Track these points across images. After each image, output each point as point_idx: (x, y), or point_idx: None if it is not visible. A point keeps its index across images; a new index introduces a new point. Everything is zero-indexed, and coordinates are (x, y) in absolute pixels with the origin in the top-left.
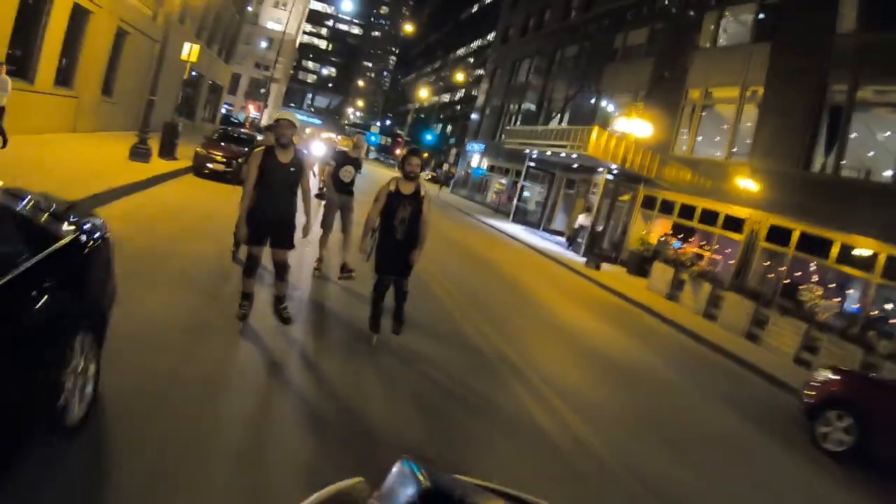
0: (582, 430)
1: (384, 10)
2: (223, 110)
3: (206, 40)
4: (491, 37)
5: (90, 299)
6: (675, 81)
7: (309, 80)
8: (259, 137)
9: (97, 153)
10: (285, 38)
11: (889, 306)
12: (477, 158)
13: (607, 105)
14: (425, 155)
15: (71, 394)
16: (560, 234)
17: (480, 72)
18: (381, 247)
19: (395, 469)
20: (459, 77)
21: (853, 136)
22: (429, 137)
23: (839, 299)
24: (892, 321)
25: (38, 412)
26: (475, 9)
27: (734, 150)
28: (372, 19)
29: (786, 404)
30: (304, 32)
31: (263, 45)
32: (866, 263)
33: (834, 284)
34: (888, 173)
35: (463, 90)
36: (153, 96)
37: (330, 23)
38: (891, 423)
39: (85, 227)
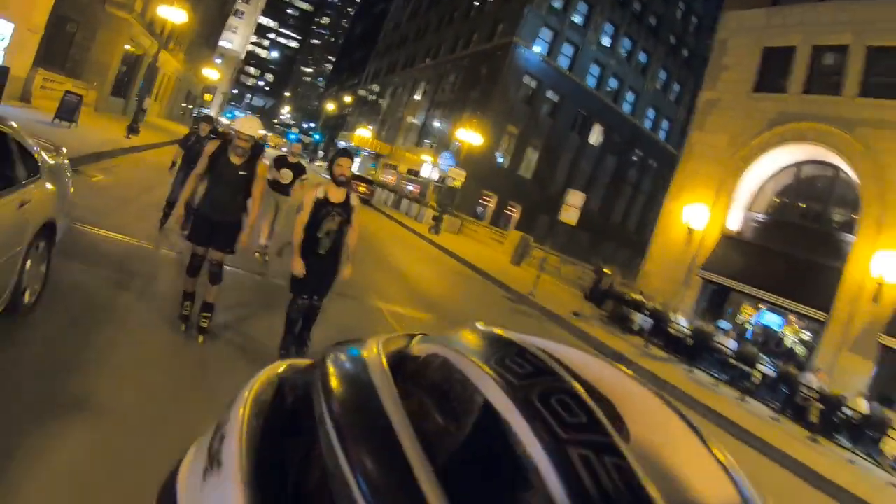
0: None
1: (325, 20)
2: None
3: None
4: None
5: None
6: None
7: (249, 83)
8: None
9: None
10: (233, 53)
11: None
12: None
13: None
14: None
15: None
16: None
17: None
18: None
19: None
20: (347, 99)
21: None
22: (316, 137)
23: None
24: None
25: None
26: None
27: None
28: (313, 27)
29: None
30: (250, 42)
31: (218, 60)
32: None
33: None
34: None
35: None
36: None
37: (272, 35)
38: None
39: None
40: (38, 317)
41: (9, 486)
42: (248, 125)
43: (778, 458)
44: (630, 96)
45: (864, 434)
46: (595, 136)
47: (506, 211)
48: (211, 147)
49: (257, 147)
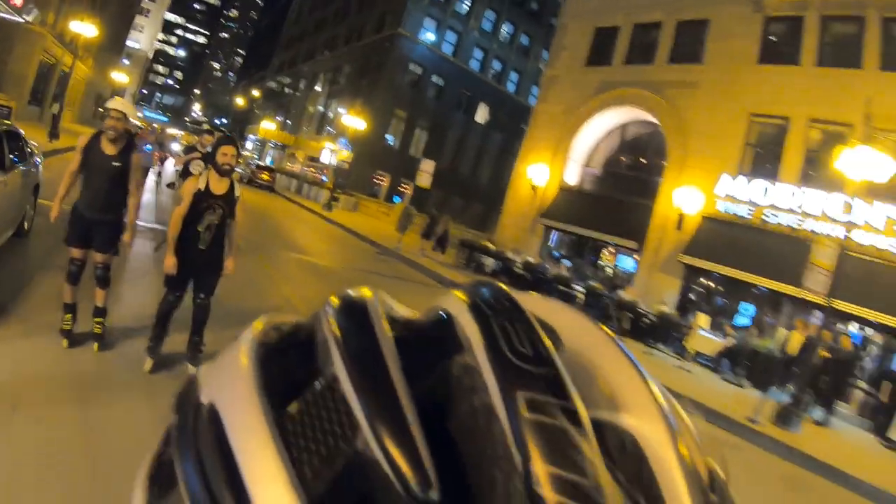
0: None
1: (233, 13)
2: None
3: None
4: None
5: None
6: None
7: (158, 82)
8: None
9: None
10: (141, 53)
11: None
12: (250, 144)
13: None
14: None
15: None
16: None
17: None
18: (177, 256)
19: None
20: (255, 92)
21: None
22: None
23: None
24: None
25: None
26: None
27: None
28: (221, 20)
29: None
30: (157, 40)
31: (125, 62)
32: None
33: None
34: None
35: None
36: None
37: (179, 32)
38: None
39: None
40: (32, 238)
41: (25, 294)
42: (120, 103)
43: None
44: (514, 76)
45: (669, 335)
46: (481, 115)
47: (399, 188)
48: (83, 140)
49: (132, 139)
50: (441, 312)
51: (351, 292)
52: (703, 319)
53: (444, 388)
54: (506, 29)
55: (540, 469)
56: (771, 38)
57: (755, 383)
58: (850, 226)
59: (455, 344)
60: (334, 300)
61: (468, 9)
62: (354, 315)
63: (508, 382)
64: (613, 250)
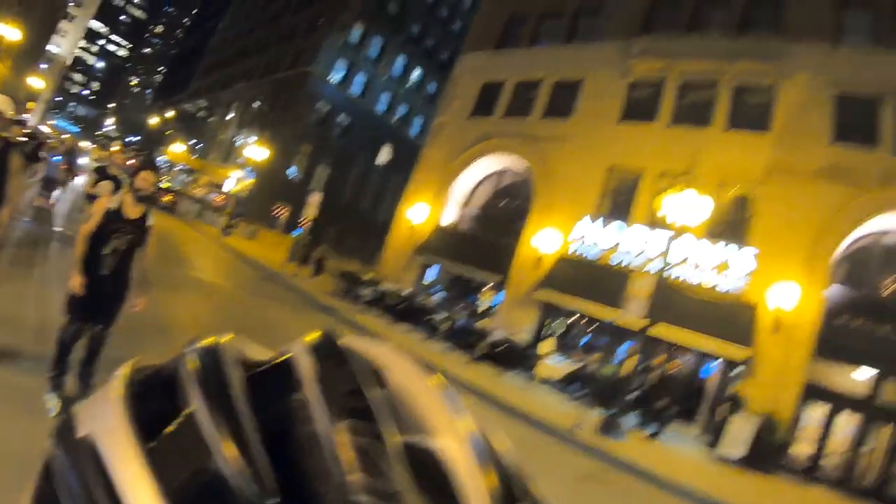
0: None
1: (159, 29)
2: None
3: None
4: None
5: None
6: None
7: (73, 91)
8: None
9: None
10: (60, 58)
11: None
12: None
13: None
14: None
15: None
16: None
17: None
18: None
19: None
20: (170, 114)
21: None
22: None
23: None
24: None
25: None
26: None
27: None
28: (146, 35)
29: None
30: (79, 47)
31: (43, 66)
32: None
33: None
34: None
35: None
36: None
37: (102, 41)
38: None
39: None
40: None
41: None
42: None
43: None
44: (419, 121)
45: (522, 360)
46: (384, 156)
47: (297, 222)
48: None
49: (32, 141)
50: (287, 356)
51: (209, 338)
52: (546, 346)
53: (287, 417)
54: (415, 76)
55: (354, 479)
56: (633, 99)
57: (598, 402)
58: (681, 262)
59: (295, 382)
60: (195, 344)
61: (379, 54)
62: (210, 357)
63: (332, 413)
64: (492, 289)
